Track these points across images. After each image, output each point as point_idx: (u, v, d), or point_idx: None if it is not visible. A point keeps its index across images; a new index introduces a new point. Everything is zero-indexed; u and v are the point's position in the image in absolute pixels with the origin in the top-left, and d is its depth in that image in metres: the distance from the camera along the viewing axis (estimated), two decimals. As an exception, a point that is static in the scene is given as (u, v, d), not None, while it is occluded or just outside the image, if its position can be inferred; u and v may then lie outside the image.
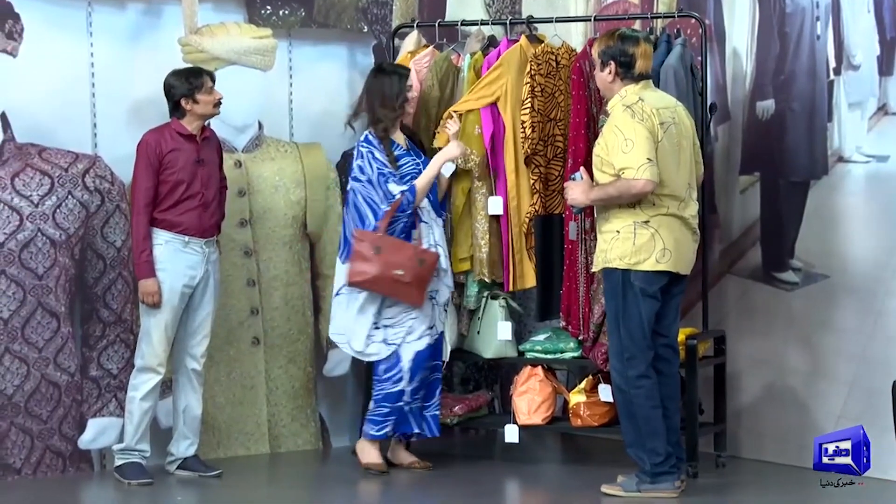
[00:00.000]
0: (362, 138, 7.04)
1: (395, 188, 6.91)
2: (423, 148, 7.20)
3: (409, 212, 6.92)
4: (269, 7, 7.67)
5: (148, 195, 6.80)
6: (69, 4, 7.15)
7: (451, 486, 6.89)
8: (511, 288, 7.31)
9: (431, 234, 7.03)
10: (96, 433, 7.20)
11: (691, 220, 6.43)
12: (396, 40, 7.70)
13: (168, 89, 6.88)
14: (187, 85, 6.84)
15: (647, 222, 6.33)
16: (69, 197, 7.11)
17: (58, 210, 7.08)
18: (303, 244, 7.72)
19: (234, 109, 7.57)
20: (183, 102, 6.85)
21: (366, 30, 7.94)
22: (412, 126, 7.30)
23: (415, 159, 7.07)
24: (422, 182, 6.96)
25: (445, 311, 7.15)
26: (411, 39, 7.54)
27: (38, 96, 7.06)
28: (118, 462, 6.96)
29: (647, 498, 6.40)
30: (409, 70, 7.14)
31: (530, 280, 7.28)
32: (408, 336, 6.99)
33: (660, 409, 6.39)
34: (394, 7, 7.99)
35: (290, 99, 7.75)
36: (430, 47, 7.44)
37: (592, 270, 6.70)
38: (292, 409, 7.73)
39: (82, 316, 7.19)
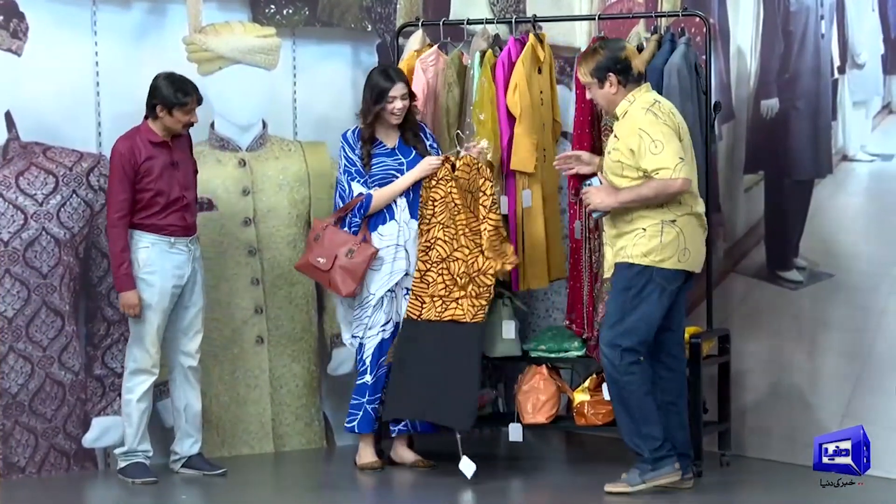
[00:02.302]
0: (343, 133, 7.14)
1: (357, 188, 7.04)
2: (435, 145, 7.23)
3: (359, 218, 7.02)
4: (273, 6, 7.68)
5: (123, 207, 6.78)
6: (74, 3, 7.15)
7: (455, 485, 6.89)
8: (520, 288, 7.32)
9: (401, 235, 7.07)
10: (100, 432, 7.21)
11: (703, 216, 6.48)
12: (401, 39, 7.70)
13: (153, 89, 6.84)
14: (171, 97, 6.78)
15: (674, 221, 6.33)
16: (74, 196, 7.11)
17: (62, 209, 7.09)
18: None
19: (239, 108, 7.59)
20: (158, 109, 6.81)
21: (370, 29, 7.94)
22: (431, 126, 7.31)
23: (397, 158, 7.08)
24: (382, 193, 7.04)
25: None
26: (416, 38, 7.54)
27: (43, 95, 7.07)
28: (122, 464, 6.97)
29: (653, 487, 6.41)
30: (399, 79, 7.02)
31: (542, 281, 7.29)
32: (368, 331, 7.09)
33: (651, 396, 6.39)
34: (398, 6, 7.99)
35: (295, 98, 7.75)
36: (435, 46, 7.44)
37: (605, 276, 6.67)
38: (296, 407, 7.74)
39: (87, 315, 7.20)
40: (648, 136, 6.25)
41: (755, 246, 7.41)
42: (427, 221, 7.03)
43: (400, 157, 7.11)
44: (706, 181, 6.97)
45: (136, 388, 6.90)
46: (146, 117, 6.87)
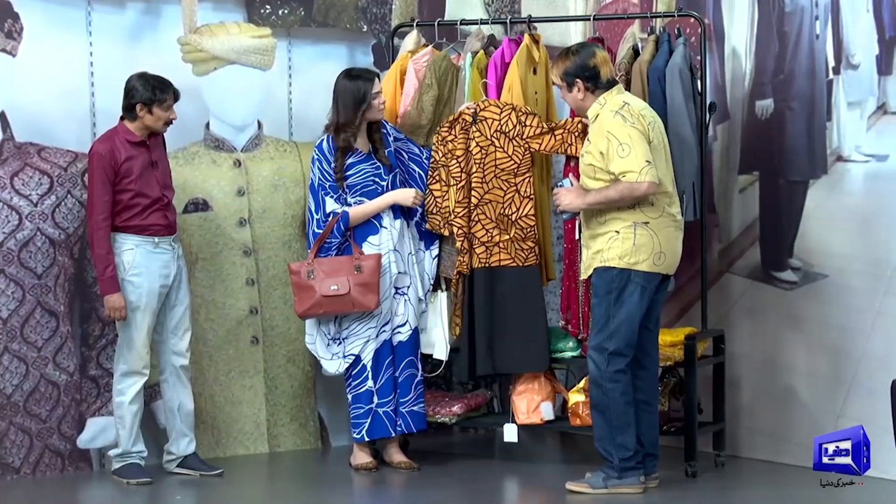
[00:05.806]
0: (317, 144, 7.08)
1: (330, 204, 6.98)
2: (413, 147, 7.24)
3: (340, 235, 6.99)
4: (268, 6, 7.68)
5: (106, 209, 6.77)
6: (69, 4, 7.15)
7: (450, 486, 6.90)
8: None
9: (391, 239, 7.06)
10: (95, 432, 7.21)
11: (678, 216, 6.49)
12: (396, 40, 7.71)
13: (129, 90, 6.84)
14: (150, 94, 6.79)
15: (646, 223, 6.36)
16: (68, 196, 7.11)
17: (57, 209, 7.09)
18: (302, 243, 7.71)
19: (234, 109, 7.59)
20: (138, 108, 6.80)
21: (365, 29, 7.94)
22: (408, 126, 7.30)
23: (374, 164, 7.07)
24: (357, 211, 7.01)
25: (422, 302, 7.22)
26: (411, 39, 7.55)
27: (38, 96, 7.07)
28: (116, 465, 6.96)
29: (614, 494, 6.42)
30: (375, 74, 7.08)
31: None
32: (367, 344, 7.06)
33: (632, 406, 6.43)
34: (393, 6, 7.99)
35: (290, 98, 7.76)
36: (430, 46, 7.44)
37: (582, 278, 6.70)
38: (291, 408, 7.74)
39: (81, 315, 7.20)
40: (616, 140, 6.29)
41: (750, 246, 7.42)
42: (456, 180, 7.04)
43: (376, 160, 7.09)
44: (701, 182, 6.98)
45: (127, 390, 6.89)
46: (122, 119, 6.88)
